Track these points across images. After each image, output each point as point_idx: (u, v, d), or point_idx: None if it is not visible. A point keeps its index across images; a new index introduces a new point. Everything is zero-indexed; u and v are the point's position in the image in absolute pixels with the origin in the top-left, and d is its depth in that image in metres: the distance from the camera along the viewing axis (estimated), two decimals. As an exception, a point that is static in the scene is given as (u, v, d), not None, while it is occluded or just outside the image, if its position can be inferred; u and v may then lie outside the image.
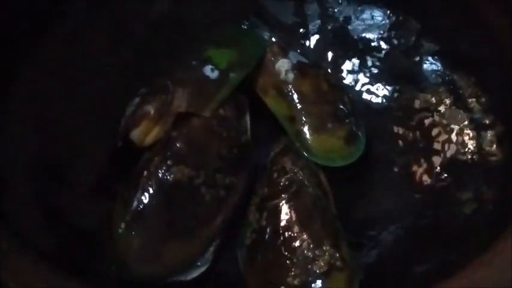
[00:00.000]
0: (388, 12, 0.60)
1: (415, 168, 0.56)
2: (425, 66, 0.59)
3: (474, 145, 0.54)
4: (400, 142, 0.58)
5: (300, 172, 0.52)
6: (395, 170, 0.57)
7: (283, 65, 0.56)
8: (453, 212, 0.53)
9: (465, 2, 0.54)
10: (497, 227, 0.44)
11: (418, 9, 0.59)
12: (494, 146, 0.53)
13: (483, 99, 0.55)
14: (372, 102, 0.60)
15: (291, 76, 0.56)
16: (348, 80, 0.61)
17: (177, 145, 0.51)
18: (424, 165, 0.56)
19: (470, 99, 0.56)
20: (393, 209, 0.55)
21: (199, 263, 0.49)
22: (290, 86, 0.56)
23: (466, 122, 0.55)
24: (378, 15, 0.60)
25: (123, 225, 0.49)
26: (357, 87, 0.61)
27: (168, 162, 0.50)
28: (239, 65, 0.55)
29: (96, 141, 0.55)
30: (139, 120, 0.53)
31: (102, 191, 0.53)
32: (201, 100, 0.53)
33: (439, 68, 0.58)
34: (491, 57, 0.54)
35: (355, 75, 0.61)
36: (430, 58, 0.59)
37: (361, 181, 0.57)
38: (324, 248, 0.48)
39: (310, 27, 0.63)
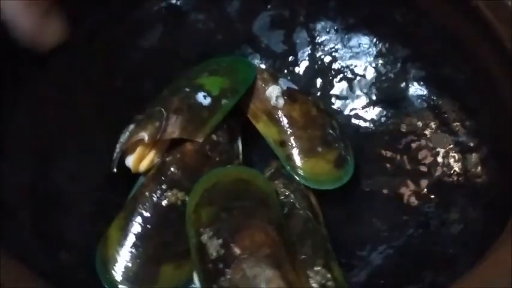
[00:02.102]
0: (375, 39, 0.62)
1: (403, 190, 0.58)
2: (411, 91, 0.61)
3: (460, 167, 0.56)
4: (388, 165, 0.59)
5: (291, 195, 0.54)
6: (384, 192, 0.58)
7: (273, 91, 0.58)
8: (441, 233, 0.54)
9: (447, 29, 0.56)
10: (483, 247, 0.45)
11: (403, 37, 0.60)
12: (479, 167, 0.54)
13: (467, 123, 0.57)
14: (360, 126, 0.62)
15: (281, 102, 0.58)
16: (337, 105, 0.63)
17: (171, 170, 0.53)
18: (412, 187, 0.57)
19: (455, 123, 0.58)
20: (383, 229, 0.56)
21: (193, 285, 0.50)
22: (280, 112, 0.58)
23: (451, 145, 0.57)
24: (365, 42, 0.62)
25: (119, 249, 0.50)
26: (346, 112, 0.63)
27: (163, 186, 0.52)
28: (231, 92, 0.57)
29: (93, 167, 0.56)
30: (133, 146, 0.54)
31: (99, 215, 0.54)
32: (194, 126, 0.54)
33: (425, 93, 0.60)
34: (475, 82, 0.55)
35: (343, 100, 0.63)
36: (416, 83, 0.60)
37: (351, 203, 0.58)
38: (316, 268, 0.49)
39: (299, 54, 0.65)
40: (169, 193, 0.52)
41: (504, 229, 0.42)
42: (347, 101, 0.63)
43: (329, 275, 0.49)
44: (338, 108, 0.63)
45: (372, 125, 0.62)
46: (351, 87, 0.63)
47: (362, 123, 0.62)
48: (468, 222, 0.53)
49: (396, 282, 0.52)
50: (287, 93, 0.58)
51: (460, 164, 0.56)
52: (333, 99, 0.64)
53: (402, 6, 0.59)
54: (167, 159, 0.54)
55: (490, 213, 0.52)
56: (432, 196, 0.56)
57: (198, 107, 0.55)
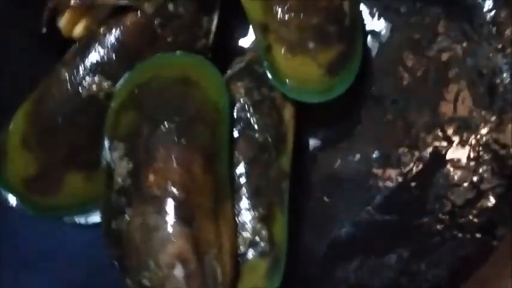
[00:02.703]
0: None
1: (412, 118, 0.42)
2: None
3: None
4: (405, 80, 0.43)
5: (250, 108, 0.40)
6: (389, 117, 0.42)
7: None
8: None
9: None
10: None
11: None
12: None
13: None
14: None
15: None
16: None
17: (101, 48, 0.40)
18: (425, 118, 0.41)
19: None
20: (366, 173, 0.42)
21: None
22: (270, -22, 0.41)
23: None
24: None
25: (21, 142, 0.40)
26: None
27: (86, 68, 0.40)
28: None
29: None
30: (62, 8, 0.41)
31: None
32: (141, -11, 0.40)
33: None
34: None
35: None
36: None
37: (340, 126, 0.43)
38: (250, 221, 0.37)
39: None
40: (92, 80, 0.40)
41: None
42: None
43: (264, 232, 0.37)
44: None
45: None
46: None
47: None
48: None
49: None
50: None
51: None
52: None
53: None
54: (100, 30, 0.40)
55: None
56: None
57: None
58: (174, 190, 0.35)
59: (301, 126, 0.42)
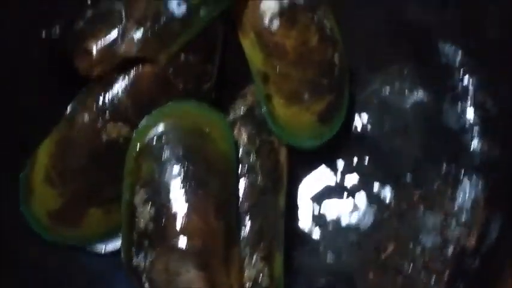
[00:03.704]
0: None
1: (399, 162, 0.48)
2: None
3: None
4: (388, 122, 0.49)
5: (254, 154, 0.45)
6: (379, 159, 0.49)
7: (269, 7, 0.45)
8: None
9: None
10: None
11: None
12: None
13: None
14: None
15: (275, 24, 0.45)
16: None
17: (120, 96, 0.44)
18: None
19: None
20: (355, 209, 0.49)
21: (120, 234, 0.45)
22: (271, 37, 0.46)
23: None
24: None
25: (45, 180, 0.44)
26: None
27: (106, 115, 0.44)
28: (214, -1, 0.44)
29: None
30: (81, 55, 0.44)
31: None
32: (157, 43, 0.44)
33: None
34: None
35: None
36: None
37: (331, 168, 0.49)
38: (254, 260, 0.43)
39: None
40: (112, 126, 0.44)
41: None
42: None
43: (266, 270, 0.44)
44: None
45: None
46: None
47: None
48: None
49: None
50: (287, 12, 0.45)
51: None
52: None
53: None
54: (118, 79, 0.44)
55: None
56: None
57: (168, 17, 0.44)
58: (193, 238, 0.41)
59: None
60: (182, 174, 0.42)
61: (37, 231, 0.45)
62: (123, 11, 0.44)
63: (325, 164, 0.49)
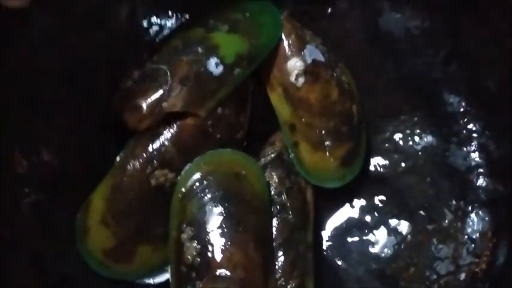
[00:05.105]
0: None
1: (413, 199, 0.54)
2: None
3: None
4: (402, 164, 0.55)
5: (284, 195, 0.51)
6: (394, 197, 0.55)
7: (295, 66, 0.52)
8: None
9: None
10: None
11: None
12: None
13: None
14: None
15: (301, 81, 0.52)
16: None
17: (166, 146, 0.50)
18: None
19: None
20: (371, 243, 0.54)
21: (166, 268, 0.50)
22: (298, 92, 0.52)
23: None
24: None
25: (100, 221, 0.50)
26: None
27: (154, 163, 0.49)
28: (247, 60, 0.51)
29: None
30: (130, 111, 0.50)
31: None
32: (198, 99, 0.50)
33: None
34: None
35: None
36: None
37: (353, 205, 0.56)
38: (289, 287, 0.48)
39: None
40: (159, 173, 0.49)
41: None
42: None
43: (300, 296, 0.49)
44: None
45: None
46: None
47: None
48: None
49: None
50: (310, 69, 0.52)
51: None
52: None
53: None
54: (163, 131, 0.50)
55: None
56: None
57: (207, 76, 0.50)
58: (237, 269, 0.46)
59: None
60: (223, 213, 0.47)
61: (93, 268, 0.50)
62: (168, 71, 0.50)
63: (347, 202, 0.55)
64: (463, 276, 0.50)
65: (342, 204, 0.55)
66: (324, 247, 0.54)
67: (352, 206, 0.55)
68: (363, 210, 0.55)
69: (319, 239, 0.53)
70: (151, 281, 0.51)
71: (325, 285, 0.52)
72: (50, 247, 0.49)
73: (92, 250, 0.50)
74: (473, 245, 0.50)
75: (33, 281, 0.48)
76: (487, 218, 0.50)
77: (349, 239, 0.54)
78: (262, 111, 0.54)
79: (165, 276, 0.51)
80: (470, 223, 0.51)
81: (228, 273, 0.46)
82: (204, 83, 0.50)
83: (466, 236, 0.51)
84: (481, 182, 0.51)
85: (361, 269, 0.53)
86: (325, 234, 0.54)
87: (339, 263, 0.54)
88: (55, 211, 0.50)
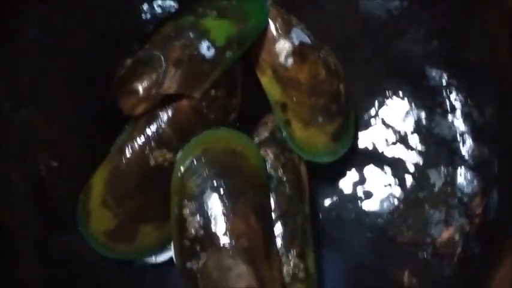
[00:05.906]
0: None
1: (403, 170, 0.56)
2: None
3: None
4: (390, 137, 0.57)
5: (280, 169, 0.52)
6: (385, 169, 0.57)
7: (283, 47, 0.54)
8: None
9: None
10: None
11: None
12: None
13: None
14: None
15: (290, 61, 0.54)
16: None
17: (163, 127, 0.51)
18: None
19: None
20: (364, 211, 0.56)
21: (169, 247, 0.51)
22: (287, 72, 0.54)
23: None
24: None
25: (100, 204, 0.51)
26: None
27: (152, 144, 0.51)
28: (237, 42, 0.52)
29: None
30: (126, 96, 0.52)
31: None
32: (192, 81, 0.51)
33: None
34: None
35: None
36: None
37: (345, 178, 0.57)
38: (290, 257, 0.50)
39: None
40: (158, 153, 0.51)
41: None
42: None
43: (302, 265, 0.50)
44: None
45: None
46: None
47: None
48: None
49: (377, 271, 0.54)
50: (298, 50, 0.54)
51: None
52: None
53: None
54: (159, 112, 0.51)
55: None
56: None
57: (200, 59, 0.52)
58: (240, 239, 0.47)
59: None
60: (223, 187, 0.49)
61: (95, 249, 0.51)
62: (161, 56, 0.52)
63: (340, 177, 0.57)
64: (456, 237, 0.51)
65: (335, 179, 0.57)
66: (320, 221, 0.55)
67: (345, 180, 0.57)
68: (355, 183, 0.56)
69: (315, 213, 0.54)
70: (153, 259, 0.52)
71: (324, 256, 0.54)
72: (51, 233, 0.50)
73: (94, 232, 0.51)
74: (463, 207, 0.52)
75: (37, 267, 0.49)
76: (475, 181, 0.52)
77: (344, 211, 0.56)
78: (252, 96, 0.56)
79: (168, 255, 0.52)
80: (460, 187, 0.53)
81: (233, 242, 0.47)
82: (197, 65, 0.51)
83: (457, 200, 0.52)
84: (467, 147, 0.53)
85: (357, 238, 0.54)
86: (321, 208, 0.56)
87: (335, 234, 0.55)
88: (56, 195, 0.50)
